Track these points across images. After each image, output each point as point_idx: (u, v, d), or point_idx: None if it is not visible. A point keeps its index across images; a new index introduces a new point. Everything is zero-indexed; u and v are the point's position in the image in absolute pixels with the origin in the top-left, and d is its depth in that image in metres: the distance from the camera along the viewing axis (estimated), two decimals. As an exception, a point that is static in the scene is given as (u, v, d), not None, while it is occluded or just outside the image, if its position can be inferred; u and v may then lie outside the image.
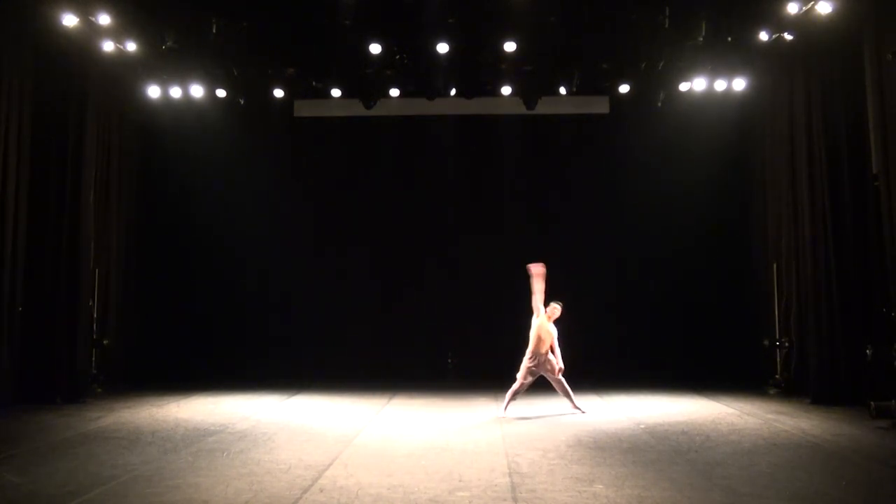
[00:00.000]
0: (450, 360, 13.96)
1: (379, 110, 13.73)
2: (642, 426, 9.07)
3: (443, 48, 11.69)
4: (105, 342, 12.68)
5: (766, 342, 12.92)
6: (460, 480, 6.31)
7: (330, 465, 6.91)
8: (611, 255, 14.24)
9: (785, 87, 12.25)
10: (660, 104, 13.56)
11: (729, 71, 12.54)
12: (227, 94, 13.22)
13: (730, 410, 10.22)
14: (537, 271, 9.90)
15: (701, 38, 11.23)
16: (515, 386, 9.88)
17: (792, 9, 10.61)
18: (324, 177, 14.78)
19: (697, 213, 14.03)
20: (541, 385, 12.61)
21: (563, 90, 13.24)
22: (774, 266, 12.84)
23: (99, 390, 12.01)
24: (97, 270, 12.50)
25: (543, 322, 9.94)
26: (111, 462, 7.03)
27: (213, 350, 13.92)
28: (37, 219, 11.18)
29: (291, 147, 14.79)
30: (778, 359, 12.51)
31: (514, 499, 5.75)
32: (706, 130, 13.81)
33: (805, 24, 10.82)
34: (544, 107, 13.61)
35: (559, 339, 10.17)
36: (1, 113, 10.47)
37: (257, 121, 14.24)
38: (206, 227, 14.34)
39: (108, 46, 11.56)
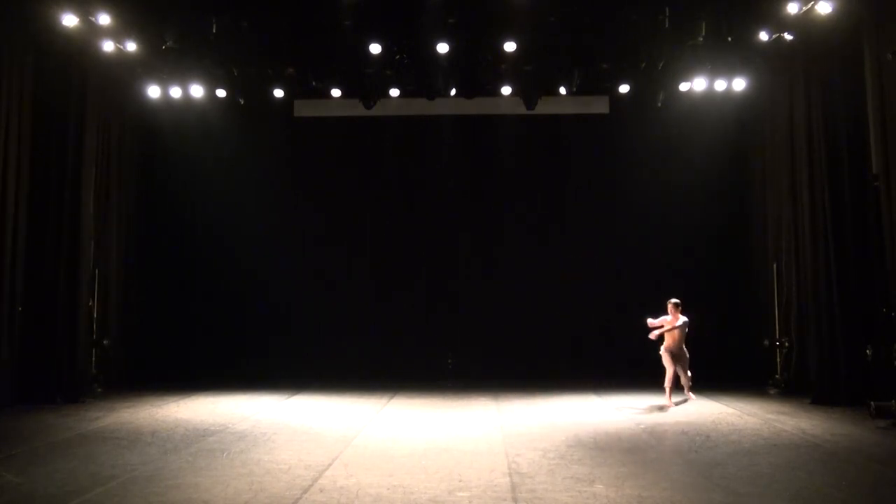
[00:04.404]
0: (450, 360, 13.95)
1: (379, 110, 13.73)
2: (642, 426, 9.07)
3: (443, 48, 11.69)
4: (105, 342, 12.69)
5: (766, 342, 12.93)
6: (460, 480, 6.31)
7: (330, 465, 6.91)
8: (610, 254, 14.24)
9: (785, 87, 12.26)
10: (660, 104, 13.55)
11: (729, 71, 12.54)
12: (227, 94, 13.22)
13: (730, 410, 10.22)
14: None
15: (701, 38, 11.24)
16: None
17: (792, 9, 10.62)
18: (323, 176, 14.77)
19: (697, 212, 14.04)
20: (540, 384, 12.68)
21: (563, 90, 13.25)
22: (774, 266, 12.85)
23: (99, 390, 12.01)
24: (97, 270, 12.51)
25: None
26: (111, 462, 7.03)
27: (213, 350, 13.91)
28: (37, 219, 11.19)
29: (291, 147, 14.79)
30: (778, 359, 12.52)
31: (514, 499, 5.75)
32: (706, 130, 13.82)
33: (805, 24, 10.82)
34: (544, 107, 13.62)
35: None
36: (1, 112, 10.48)
37: (257, 121, 14.25)
38: (206, 227, 14.35)
39: (108, 46, 11.56)
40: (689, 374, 11.09)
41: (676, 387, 11.04)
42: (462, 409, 10.63)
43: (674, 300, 11.05)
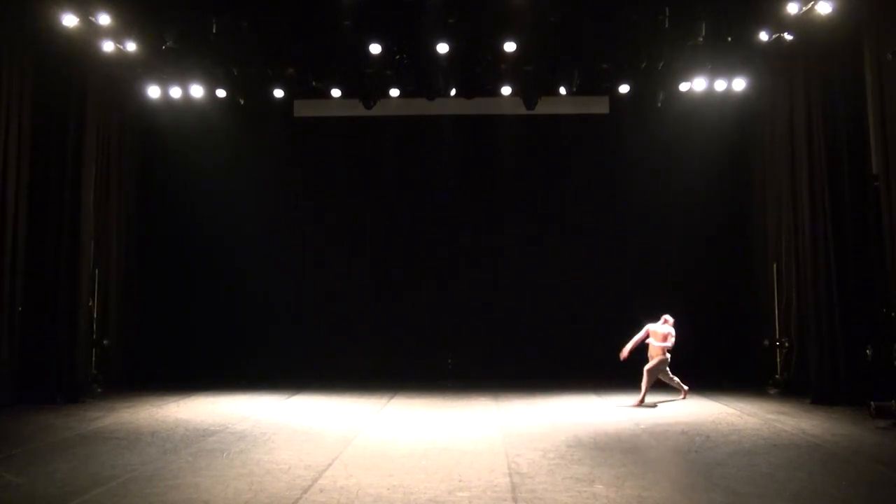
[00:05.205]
0: (450, 361, 13.95)
1: (379, 110, 13.72)
2: (642, 426, 9.07)
3: (443, 48, 11.68)
4: (105, 342, 12.68)
5: (766, 342, 12.93)
6: (460, 480, 6.31)
7: (330, 465, 6.91)
8: (610, 254, 14.24)
9: (785, 88, 12.26)
10: (660, 104, 13.54)
11: (729, 71, 12.54)
12: (227, 94, 13.21)
13: (730, 410, 10.22)
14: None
15: (701, 38, 11.22)
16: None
17: (792, 9, 10.60)
18: (324, 177, 14.78)
19: (697, 213, 14.05)
20: (540, 384, 12.69)
21: (563, 90, 13.23)
22: (774, 266, 12.85)
23: (99, 390, 12.01)
24: (97, 270, 12.50)
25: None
26: (111, 462, 7.03)
27: (213, 350, 13.91)
28: (37, 219, 11.19)
29: (291, 147, 14.78)
30: (778, 359, 12.52)
31: (514, 499, 5.75)
32: (706, 131, 13.82)
33: (805, 24, 10.81)
34: (544, 107, 13.60)
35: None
36: (1, 112, 10.48)
37: (257, 121, 14.24)
38: (206, 227, 14.35)
39: (108, 46, 11.54)
40: (646, 382, 10.93)
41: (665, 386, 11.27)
42: (462, 409, 10.63)
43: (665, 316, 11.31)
